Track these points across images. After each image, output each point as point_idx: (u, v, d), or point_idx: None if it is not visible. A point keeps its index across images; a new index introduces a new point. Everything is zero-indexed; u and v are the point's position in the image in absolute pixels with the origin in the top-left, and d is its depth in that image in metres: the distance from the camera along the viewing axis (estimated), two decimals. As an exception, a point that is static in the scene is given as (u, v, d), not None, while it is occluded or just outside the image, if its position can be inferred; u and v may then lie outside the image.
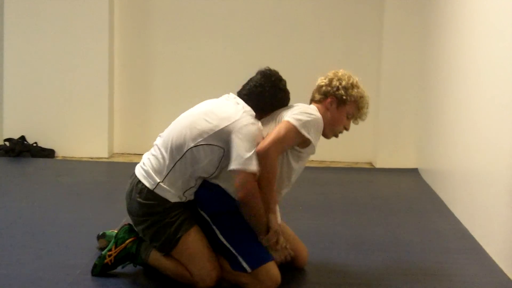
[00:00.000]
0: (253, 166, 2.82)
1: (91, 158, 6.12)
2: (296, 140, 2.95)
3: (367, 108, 3.18)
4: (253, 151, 2.83)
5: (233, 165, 2.83)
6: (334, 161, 6.20)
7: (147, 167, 2.97)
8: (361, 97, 3.12)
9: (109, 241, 3.33)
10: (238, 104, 3.00)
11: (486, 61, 3.81)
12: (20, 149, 5.94)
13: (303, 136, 2.93)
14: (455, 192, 4.40)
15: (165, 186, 2.91)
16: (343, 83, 3.10)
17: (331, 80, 3.13)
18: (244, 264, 2.87)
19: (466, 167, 4.15)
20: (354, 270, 3.25)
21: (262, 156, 2.84)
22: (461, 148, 4.26)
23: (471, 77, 4.11)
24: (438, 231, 3.99)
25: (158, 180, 2.91)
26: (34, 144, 6.08)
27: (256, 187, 2.84)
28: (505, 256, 3.31)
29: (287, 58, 6.13)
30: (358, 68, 6.14)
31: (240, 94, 3.08)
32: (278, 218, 3.04)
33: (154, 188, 2.91)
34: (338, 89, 3.09)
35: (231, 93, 3.11)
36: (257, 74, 3.12)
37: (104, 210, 4.14)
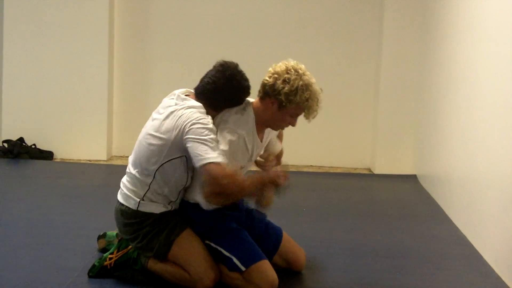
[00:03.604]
0: (215, 157, 2.69)
1: (90, 160, 6.11)
2: (240, 148, 2.87)
3: (316, 107, 2.87)
4: (208, 142, 2.73)
5: (196, 164, 2.75)
6: (332, 167, 6.20)
7: (125, 190, 3.00)
8: (306, 100, 2.83)
9: (109, 241, 3.34)
10: (183, 102, 2.90)
11: (484, 67, 3.82)
12: (19, 151, 5.92)
13: (230, 143, 2.82)
14: (453, 199, 4.41)
15: (147, 202, 2.94)
16: (286, 88, 2.81)
17: (275, 80, 2.85)
18: (238, 263, 2.88)
19: (465, 173, 4.15)
20: (351, 275, 3.25)
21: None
22: (460, 155, 4.27)
23: (470, 83, 4.11)
24: (436, 237, 3.99)
25: (138, 199, 2.94)
26: (33, 146, 6.07)
27: (226, 171, 2.69)
28: (502, 262, 3.31)
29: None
30: (357, 72, 6.23)
31: (196, 92, 2.98)
32: (279, 145, 3.12)
33: (137, 208, 2.94)
34: (279, 93, 2.83)
35: (177, 92, 3.01)
36: (212, 68, 2.99)
37: (102, 212, 4.12)
